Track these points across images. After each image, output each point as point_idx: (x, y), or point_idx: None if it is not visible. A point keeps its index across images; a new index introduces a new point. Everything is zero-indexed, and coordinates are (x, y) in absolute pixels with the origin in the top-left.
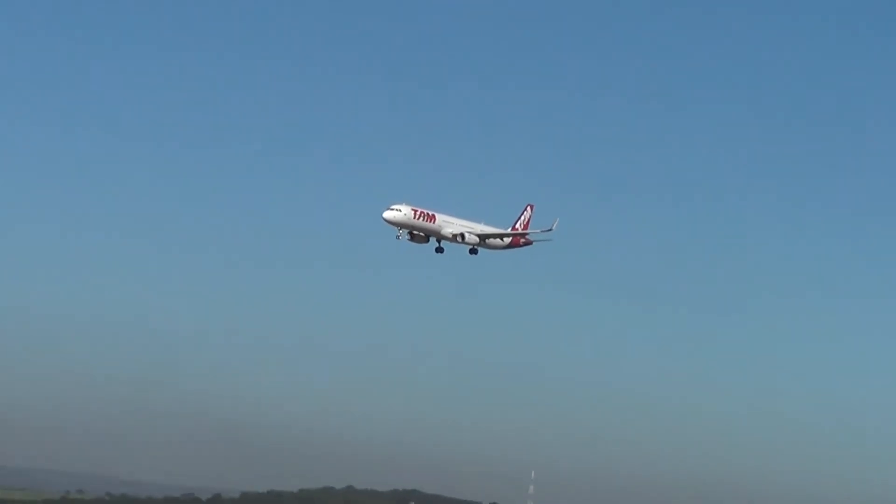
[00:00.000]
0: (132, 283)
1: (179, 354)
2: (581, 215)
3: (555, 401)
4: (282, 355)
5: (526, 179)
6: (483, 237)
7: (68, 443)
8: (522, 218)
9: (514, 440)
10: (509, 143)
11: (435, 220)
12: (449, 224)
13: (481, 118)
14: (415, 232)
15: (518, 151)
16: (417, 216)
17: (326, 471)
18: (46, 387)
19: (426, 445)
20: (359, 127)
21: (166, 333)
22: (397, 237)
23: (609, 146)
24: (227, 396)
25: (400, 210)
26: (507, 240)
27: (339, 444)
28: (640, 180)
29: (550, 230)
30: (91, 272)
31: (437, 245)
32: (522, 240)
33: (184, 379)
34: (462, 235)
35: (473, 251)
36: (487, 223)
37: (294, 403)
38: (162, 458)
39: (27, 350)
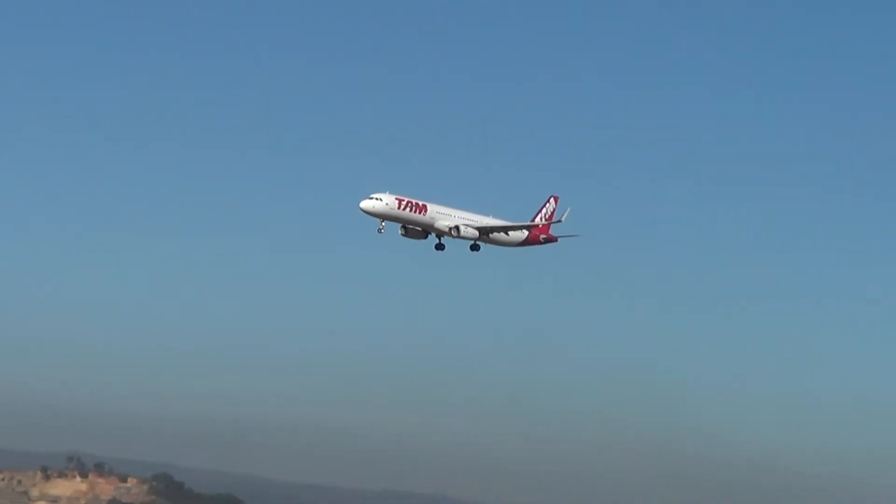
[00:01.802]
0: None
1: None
2: (611, 209)
3: None
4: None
5: (549, 175)
6: (484, 231)
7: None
8: (544, 211)
9: None
10: (531, 139)
11: (426, 210)
12: (444, 216)
13: (500, 114)
14: (409, 226)
15: (540, 147)
16: (403, 206)
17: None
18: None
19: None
20: (365, 123)
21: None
22: (379, 230)
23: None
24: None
25: (380, 199)
26: (522, 235)
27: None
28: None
29: (560, 221)
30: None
31: (436, 241)
32: (543, 235)
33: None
34: (457, 228)
35: (475, 247)
36: (497, 217)
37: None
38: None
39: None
